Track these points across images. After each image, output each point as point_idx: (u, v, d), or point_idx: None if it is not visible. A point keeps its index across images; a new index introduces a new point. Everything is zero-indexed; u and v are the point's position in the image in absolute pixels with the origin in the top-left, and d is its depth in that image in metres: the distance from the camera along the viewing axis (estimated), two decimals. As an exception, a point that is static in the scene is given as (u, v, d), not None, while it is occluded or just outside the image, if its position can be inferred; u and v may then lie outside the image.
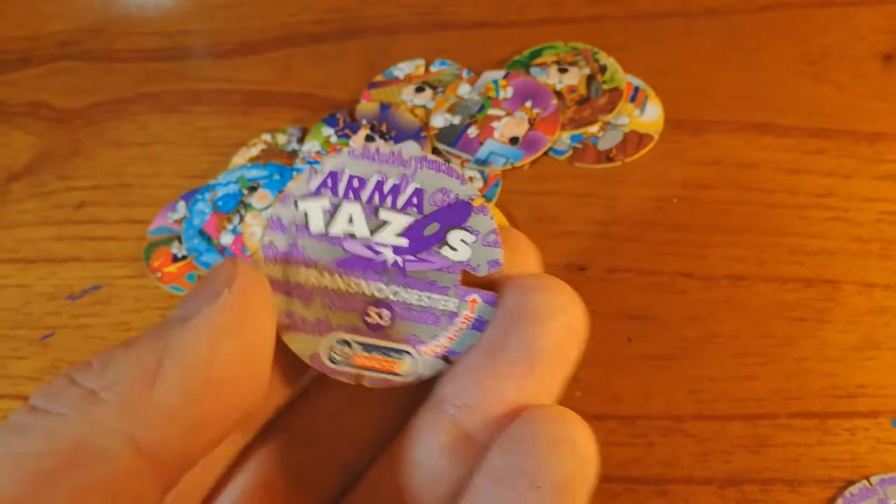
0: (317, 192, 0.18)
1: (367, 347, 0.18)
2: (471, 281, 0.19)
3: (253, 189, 0.40)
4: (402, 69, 0.46)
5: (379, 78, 0.45)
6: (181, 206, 0.40)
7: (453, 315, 0.19)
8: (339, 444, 0.20)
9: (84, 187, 0.43)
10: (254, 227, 0.39)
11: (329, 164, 0.18)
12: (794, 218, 0.38)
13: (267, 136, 0.43)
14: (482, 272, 0.19)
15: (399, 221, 0.19)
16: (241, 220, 0.39)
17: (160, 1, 0.52)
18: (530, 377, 0.18)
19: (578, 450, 0.17)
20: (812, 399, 0.33)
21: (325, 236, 0.18)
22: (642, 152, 0.41)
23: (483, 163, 0.40)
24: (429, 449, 0.19)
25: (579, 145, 0.41)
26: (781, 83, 0.43)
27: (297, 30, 0.49)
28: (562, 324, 0.18)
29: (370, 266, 0.19)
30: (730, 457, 0.31)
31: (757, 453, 0.31)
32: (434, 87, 0.44)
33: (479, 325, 0.19)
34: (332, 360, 0.18)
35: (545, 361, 0.18)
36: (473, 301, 0.19)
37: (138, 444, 0.15)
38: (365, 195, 0.19)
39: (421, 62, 0.46)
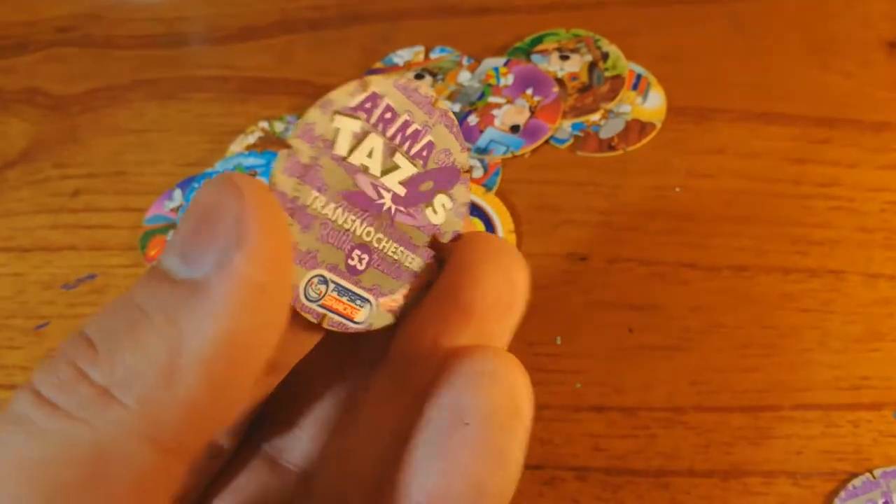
0: (355, 111, 0.18)
1: (340, 290, 0.18)
2: (436, 245, 0.19)
3: (250, 177, 0.40)
4: (402, 56, 0.45)
5: (378, 65, 0.45)
6: (177, 194, 0.40)
7: (413, 274, 0.19)
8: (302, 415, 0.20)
9: (80, 175, 0.42)
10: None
11: (375, 84, 0.18)
12: (798, 208, 0.37)
13: (264, 124, 0.43)
14: (445, 239, 0.19)
15: (406, 169, 0.19)
16: (239, 208, 0.39)
17: (157, -14, 0.51)
18: (465, 327, 0.18)
19: (503, 381, 0.17)
20: (815, 391, 0.32)
21: (344, 162, 0.18)
22: (644, 141, 0.40)
23: (483, 151, 0.40)
24: (373, 403, 0.19)
25: (581, 133, 0.41)
26: (787, 71, 0.43)
27: (297, 15, 0.49)
28: (493, 273, 0.18)
29: (370, 207, 0.18)
30: (732, 449, 0.31)
31: (759, 445, 0.31)
32: (434, 75, 0.44)
33: (430, 286, 0.19)
34: (307, 297, 0.18)
35: (479, 311, 0.18)
36: (430, 264, 0.19)
37: (162, 443, 0.14)
38: (390, 132, 0.18)
39: (420, 49, 0.45)
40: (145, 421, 0.14)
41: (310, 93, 0.45)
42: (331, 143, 0.17)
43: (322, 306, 0.18)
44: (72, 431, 0.13)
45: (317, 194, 0.17)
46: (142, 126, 0.44)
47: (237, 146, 0.42)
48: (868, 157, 0.39)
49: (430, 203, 0.19)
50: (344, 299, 0.18)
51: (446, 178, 0.19)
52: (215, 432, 0.15)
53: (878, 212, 0.37)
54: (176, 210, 0.39)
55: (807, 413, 0.32)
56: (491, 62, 0.44)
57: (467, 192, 0.20)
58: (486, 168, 0.40)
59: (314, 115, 0.17)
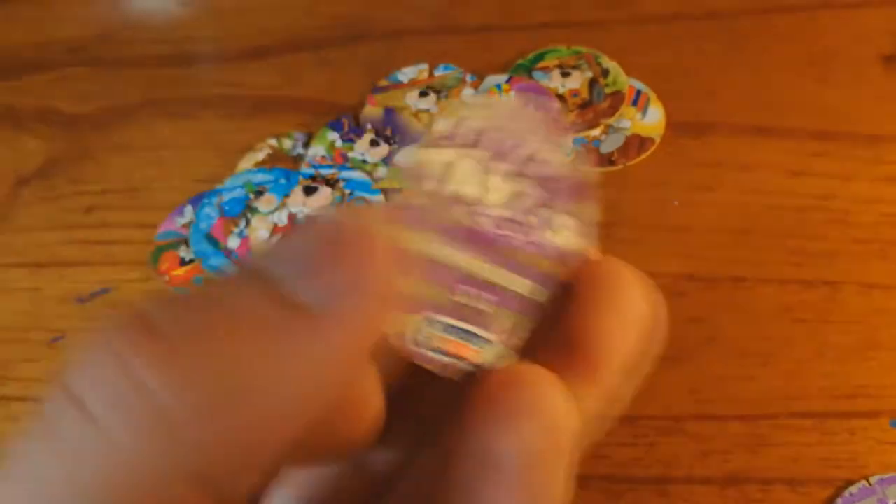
0: (444, 140, 0.17)
1: (452, 330, 0.17)
2: (560, 271, 0.17)
3: (259, 193, 0.41)
4: (407, 74, 0.46)
5: (383, 82, 0.46)
6: (188, 210, 0.41)
7: (535, 304, 0.17)
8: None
9: (93, 192, 0.43)
10: (260, 231, 0.39)
11: (468, 109, 0.17)
12: (795, 220, 0.38)
13: (273, 141, 0.44)
14: (568, 264, 0.17)
15: (510, 190, 0.17)
16: (248, 223, 0.40)
17: (167, 8, 0.52)
18: (588, 384, 0.16)
19: (540, 418, 0.14)
20: (812, 399, 0.33)
21: (440, 195, 0.16)
22: (644, 155, 0.41)
23: (486, 166, 0.41)
24: (460, 429, 0.17)
25: (581, 149, 0.41)
26: (783, 85, 0.44)
27: (303, 35, 0.50)
28: (625, 327, 0.16)
29: (472, 237, 0.17)
30: (729, 457, 0.32)
31: (756, 453, 0.32)
32: (438, 92, 0.45)
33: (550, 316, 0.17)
34: (416, 342, 0.16)
35: (603, 370, 0.16)
36: (556, 292, 0.17)
37: (206, 485, 0.12)
38: (489, 155, 0.17)
39: (425, 67, 0.46)
40: (199, 454, 0.11)
41: (317, 110, 0.45)
42: (426, 177, 0.16)
43: (435, 349, 0.16)
44: (116, 450, 0.11)
45: (415, 232, 0.16)
46: (153, 143, 0.45)
47: (246, 163, 0.43)
48: (864, 170, 0.39)
49: (547, 224, 0.17)
50: (452, 338, 0.17)
51: (566, 195, 0.17)
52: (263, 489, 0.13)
53: (873, 223, 0.37)
54: (187, 226, 0.40)
55: (803, 421, 0.32)
56: (494, 79, 0.44)
57: (594, 211, 0.17)
58: (488, 183, 0.40)
59: (406, 154, 0.17)
